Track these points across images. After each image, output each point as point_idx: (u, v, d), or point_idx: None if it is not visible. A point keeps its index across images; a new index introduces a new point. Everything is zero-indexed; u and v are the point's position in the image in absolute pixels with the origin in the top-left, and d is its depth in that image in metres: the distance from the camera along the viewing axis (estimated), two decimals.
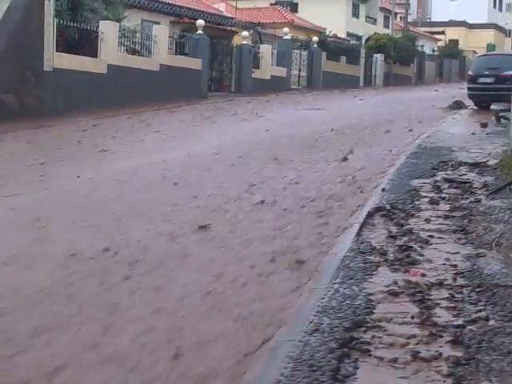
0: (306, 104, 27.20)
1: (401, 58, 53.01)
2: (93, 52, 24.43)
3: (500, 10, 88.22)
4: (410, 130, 17.37)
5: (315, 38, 43.31)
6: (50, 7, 21.81)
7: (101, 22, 24.87)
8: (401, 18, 66.10)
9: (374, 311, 5.00)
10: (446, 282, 5.68)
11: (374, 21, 60.19)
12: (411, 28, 63.44)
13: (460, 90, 29.59)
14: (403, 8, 61.94)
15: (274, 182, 10.74)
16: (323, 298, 5.26)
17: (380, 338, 4.52)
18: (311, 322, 4.74)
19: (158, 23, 31.50)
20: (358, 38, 54.22)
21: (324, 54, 43.61)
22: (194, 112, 23.91)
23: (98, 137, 17.37)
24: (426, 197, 9.03)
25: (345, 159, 12.67)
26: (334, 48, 45.80)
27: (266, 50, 37.48)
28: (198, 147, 14.91)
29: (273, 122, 20.25)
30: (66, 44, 23.25)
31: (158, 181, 11.20)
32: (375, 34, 53.24)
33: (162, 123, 20.27)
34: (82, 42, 24.00)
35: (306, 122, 20.07)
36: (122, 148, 15.50)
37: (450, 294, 5.41)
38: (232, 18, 40.23)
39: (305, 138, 16.02)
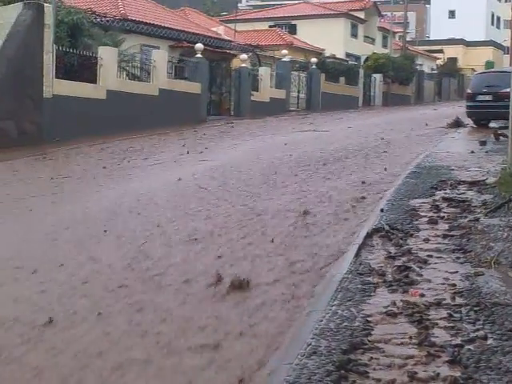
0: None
1: (399, 77, 53.21)
2: (92, 78, 24.52)
3: (498, 27, 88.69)
4: (409, 150, 17.37)
5: (314, 60, 43.44)
6: (49, 34, 21.93)
7: (100, 48, 24.99)
8: (399, 37, 66.38)
9: (372, 333, 4.99)
10: (444, 302, 5.67)
11: (373, 40, 60.42)
12: (410, 47, 63.67)
13: (459, 109, 29.64)
14: (402, 27, 62.21)
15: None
16: (321, 321, 5.25)
17: (378, 359, 4.52)
18: (309, 345, 4.73)
19: (157, 48, 31.63)
20: (357, 58, 54.47)
21: (323, 75, 43.73)
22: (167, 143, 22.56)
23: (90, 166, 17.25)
24: (424, 216, 9.02)
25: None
26: (333, 69, 45.91)
27: (264, 72, 37.58)
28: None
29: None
30: (66, 70, 23.35)
31: None
32: (374, 53, 53.45)
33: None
34: (82, 68, 24.10)
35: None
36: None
37: (448, 313, 5.40)
38: (231, 41, 40.40)
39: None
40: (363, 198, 10.68)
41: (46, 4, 22.14)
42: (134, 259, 7.97)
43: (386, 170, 13.61)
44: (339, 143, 19.53)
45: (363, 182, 12.08)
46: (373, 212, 9.47)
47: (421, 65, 64.20)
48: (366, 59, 53.04)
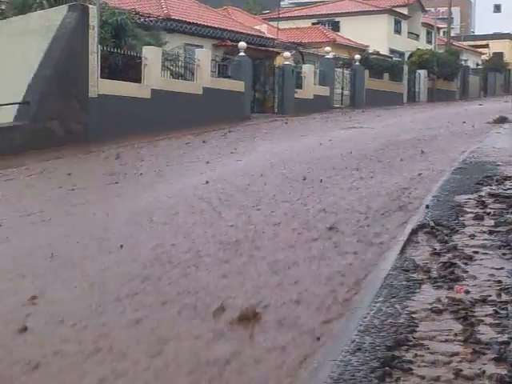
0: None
1: (444, 73, 52.76)
2: (137, 77, 24.74)
3: None
4: (454, 146, 17.21)
5: (357, 56, 43.31)
6: (94, 35, 22.18)
7: (144, 48, 25.20)
8: (444, 32, 65.78)
9: (417, 329, 4.96)
10: (490, 298, 5.61)
11: (417, 36, 59.96)
12: (454, 42, 63.08)
13: (505, 104, 29.33)
14: (446, 23, 61.66)
15: None
16: (365, 317, 5.23)
17: (422, 356, 4.48)
18: (353, 342, 4.72)
19: (200, 47, 31.78)
20: (401, 54, 54.14)
21: (367, 72, 43.55)
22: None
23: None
24: (470, 212, 8.92)
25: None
26: (377, 65, 45.72)
27: (308, 69, 37.55)
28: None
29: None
30: (111, 70, 23.59)
31: None
32: (418, 49, 53.07)
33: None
34: (126, 68, 24.34)
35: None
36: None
37: (494, 310, 5.34)
38: (274, 39, 40.44)
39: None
40: (401, 206, 10.38)
41: (90, 6, 22.39)
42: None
43: (419, 175, 12.67)
44: (379, 140, 19.39)
45: (403, 189, 11.84)
46: (417, 211, 9.36)
47: (466, 60, 63.56)
48: (411, 55, 52.68)
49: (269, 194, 11.85)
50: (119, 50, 24.17)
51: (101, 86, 22.50)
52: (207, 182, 13.37)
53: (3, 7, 26.21)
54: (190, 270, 7.54)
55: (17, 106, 20.49)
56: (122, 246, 8.77)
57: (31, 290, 7.13)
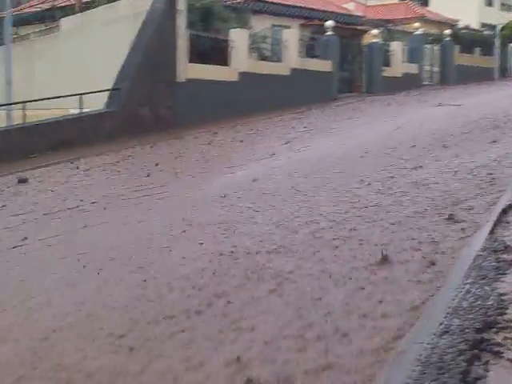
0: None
1: None
2: (224, 61, 24.88)
3: None
4: None
5: (447, 31, 42.46)
6: (182, 19, 22.39)
7: (231, 31, 25.31)
8: None
9: (507, 312, 4.90)
10: None
11: (510, 8, 58.36)
12: None
13: None
14: None
15: None
16: (454, 299, 5.19)
17: None
18: (441, 324, 4.70)
19: (287, 27, 31.71)
20: (493, 27, 52.77)
21: (457, 47, 42.68)
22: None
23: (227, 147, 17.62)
24: None
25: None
26: (467, 40, 44.74)
27: (396, 46, 37.03)
28: None
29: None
30: (198, 54, 23.77)
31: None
32: (511, 21, 51.64)
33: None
34: (213, 51, 24.49)
35: None
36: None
37: None
38: (361, 17, 40.04)
39: None
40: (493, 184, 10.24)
41: None
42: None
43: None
44: (465, 119, 18.98)
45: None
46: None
47: None
48: (503, 28, 51.31)
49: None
50: (207, 34, 24.34)
51: (189, 70, 22.73)
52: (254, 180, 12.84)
53: None
54: None
55: (108, 92, 20.88)
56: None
57: None
